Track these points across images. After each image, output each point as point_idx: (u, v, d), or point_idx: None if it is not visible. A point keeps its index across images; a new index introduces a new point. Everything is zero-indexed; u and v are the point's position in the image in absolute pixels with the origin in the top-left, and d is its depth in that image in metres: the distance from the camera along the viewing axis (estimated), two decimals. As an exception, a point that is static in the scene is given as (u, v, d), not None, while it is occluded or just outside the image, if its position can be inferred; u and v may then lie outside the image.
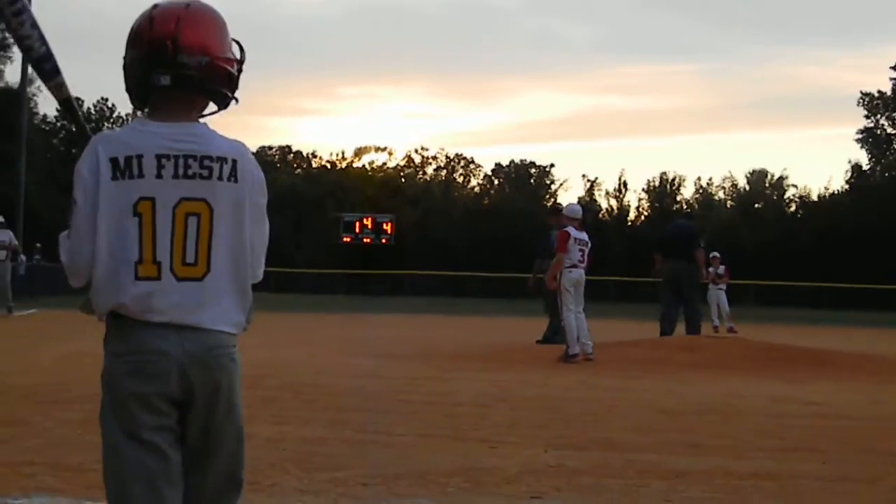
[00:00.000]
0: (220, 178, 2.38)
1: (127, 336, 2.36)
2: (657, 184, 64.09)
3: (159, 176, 2.34)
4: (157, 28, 2.38)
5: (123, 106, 59.12)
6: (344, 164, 70.36)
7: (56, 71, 2.52)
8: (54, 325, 15.90)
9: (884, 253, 48.59)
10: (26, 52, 2.44)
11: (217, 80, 2.42)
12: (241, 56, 2.47)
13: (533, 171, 70.04)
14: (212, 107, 2.49)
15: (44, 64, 2.43)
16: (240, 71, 2.46)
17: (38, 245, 33.24)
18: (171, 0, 2.43)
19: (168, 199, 2.34)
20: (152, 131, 2.38)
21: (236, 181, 2.40)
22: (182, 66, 2.36)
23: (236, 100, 2.47)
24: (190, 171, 2.35)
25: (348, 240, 49.26)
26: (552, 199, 65.29)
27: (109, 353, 2.39)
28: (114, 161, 2.33)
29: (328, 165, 70.02)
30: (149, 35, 2.39)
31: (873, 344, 16.56)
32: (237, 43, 2.47)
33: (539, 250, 14.73)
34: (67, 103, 2.50)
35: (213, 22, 2.43)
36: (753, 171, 66.99)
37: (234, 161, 2.41)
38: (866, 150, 62.34)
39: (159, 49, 2.37)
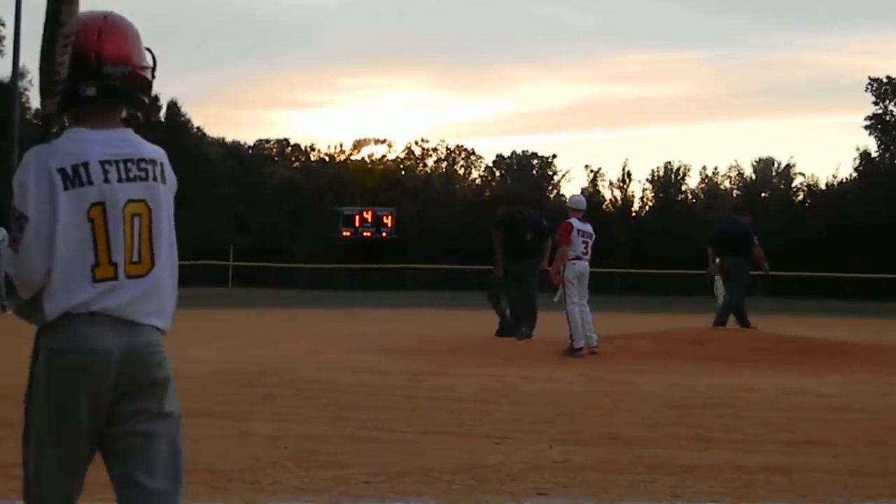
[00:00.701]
0: (154, 179, 2.52)
1: (69, 333, 2.41)
2: (662, 174, 63.86)
3: (106, 181, 2.44)
4: (80, 40, 2.45)
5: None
6: (343, 157, 70.24)
7: (60, 92, 2.61)
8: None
9: (893, 241, 48.24)
10: (54, 74, 2.50)
11: (138, 87, 2.54)
12: (154, 63, 2.59)
13: (535, 162, 69.95)
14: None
15: (59, 85, 2.51)
16: (153, 77, 2.59)
17: None
18: (86, 12, 2.49)
19: (116, 202, 2.45)
20: (90, 139, 2.47)
21: (165, 183, 2.55)
22: (107, 76, 2.47)
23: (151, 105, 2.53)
24: (131, 175, 2.47)
25: (348, 234, 49.11)
26: (554, 191, 65.30)
27: (46, 349, 2.44)
28: (62, 171, 2.41)
29: (326, 158, 69.89)
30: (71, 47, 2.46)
31: (883, 334, 16.44)
32: (149, 51, 2.58)
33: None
34: (50, 116, 2.58)
35: (131, 32, 2.54)
36: (760, 159, 66.91)
37: (162, 164, 2.55)
38: (875, 136, 61.88)
39: (83, 61, 2.45)
